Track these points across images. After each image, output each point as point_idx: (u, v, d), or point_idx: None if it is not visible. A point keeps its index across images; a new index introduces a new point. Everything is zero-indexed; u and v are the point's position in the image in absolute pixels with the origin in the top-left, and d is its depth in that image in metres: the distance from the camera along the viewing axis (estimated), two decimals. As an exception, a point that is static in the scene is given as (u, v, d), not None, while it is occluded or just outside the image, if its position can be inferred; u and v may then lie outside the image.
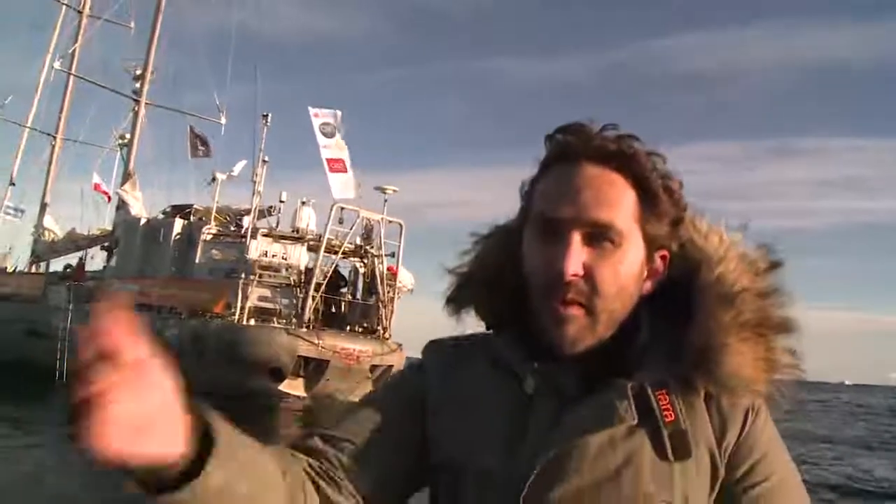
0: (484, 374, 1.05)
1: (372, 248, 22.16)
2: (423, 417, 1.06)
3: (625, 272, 0.97)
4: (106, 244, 26.63)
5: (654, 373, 0.97)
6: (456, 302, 1.13)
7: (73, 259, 28.22)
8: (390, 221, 22.18)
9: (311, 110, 22.93)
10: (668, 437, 0.94)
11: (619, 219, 0.96)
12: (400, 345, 21.80)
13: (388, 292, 21.94)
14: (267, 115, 22.93)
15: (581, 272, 0.95)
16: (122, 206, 26.16)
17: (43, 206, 31.59)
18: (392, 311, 22.02)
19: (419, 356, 1.17)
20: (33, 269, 30.14)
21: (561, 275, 0.94)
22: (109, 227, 27.35)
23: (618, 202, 0.96)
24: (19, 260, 31.19)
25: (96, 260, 27.29)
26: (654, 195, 0.99)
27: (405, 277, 22.63)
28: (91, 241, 27.85)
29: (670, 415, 0.95)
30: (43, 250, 29.89)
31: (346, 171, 22.63)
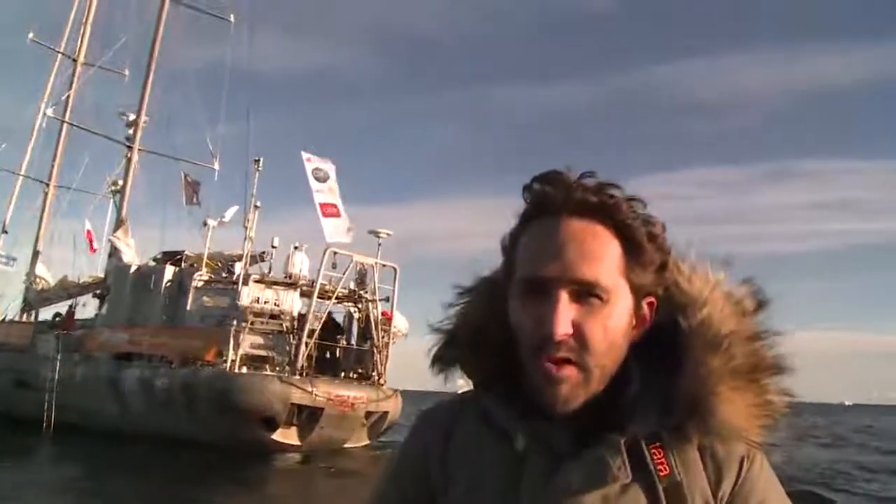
0: (475, 434, 1.04)
1: (366, 292, 21.92)
2: (432, 498, 1.06)
3: (614, 327, 0.95)
4: (98, 291, 26.39)
5: (646, 425, 0.95)
6: (442, 361, 1.11)
7: (64, 307, 27.97)
8: (384, 265, 21.97)
9: (304, 155, 22.90)
10: (662, 492, 0.92)
11: (604, 274, 0.94)
12: (395, 391, 21.49)
13: (383, 337, 21.64)
14: (259, 161, 22.87)
15: (570, 331, 0.93)
16: (114, 252, 26.00)
17: (35, 254, 31.39)
18: (387, 357, 21.70)
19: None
20: (24, 318, 29.83)
21: (550, 335, 0.92)
22: (102, 275, 27.08)
23: (603, 256, 0.94)
24: (10, 308, 30.90)
25: (89, 308, 27.05)
26: (639, 244, 0.96)
27: (399, 322, 22.34)
28: (83, 288, 27.56)
29: (664, 468, 0.93)
30: (34, 298, 29.63)
31: (339, 215, 22.51)
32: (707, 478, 0.95)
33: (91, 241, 29.38)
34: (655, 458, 0.94)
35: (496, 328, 1.02)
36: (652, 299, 1.00)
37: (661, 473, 0.93)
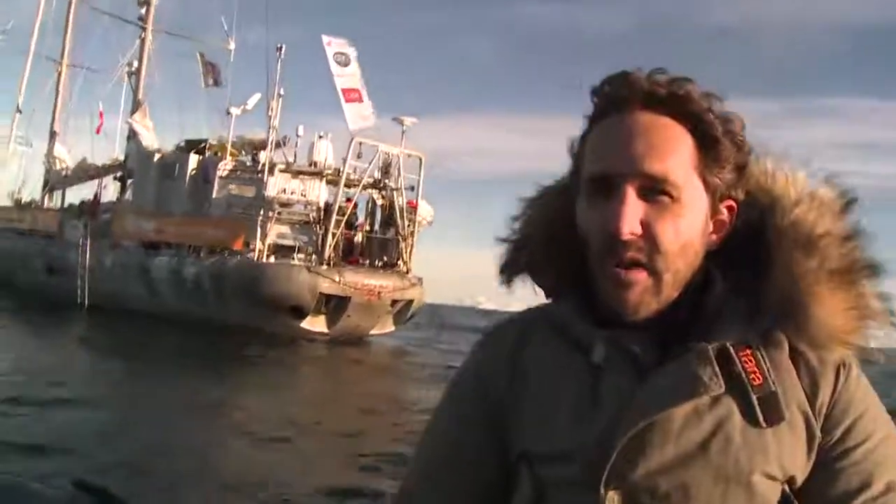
0: (548, 349, 0.97)
1: (391, 182, 21.82)
2: (498, 426, 0.97)
3: (687, 227, 0.88)
4: (119, 175, 26.39)
5: (734, 331, 0.89)
6: (511, 268, 1.04)
7: (86, 189, 28.06)
8: (409, 155, 21.75)
9: (325, 39, 22.30)
10: (757, 402, 0.86)
11: (675, 169, 0.87)
12: (420, 279, 21.77)
13: (408, 226, 21.70)
14: (281, 48, 22.27)
15: (639, 230, 0.87)
16: (133, 135, 25.78)
17: (52, 135, 31.13)
18: (412, 246, 21.83)
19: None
20: (47, 201, 29.99)
21: (617, 234, 0.86)
22: (121, 157, 26.96)
23: (672, 150, 0.88)
24: (34, 190, 31.06)
25: (109, 189, 27.17)
26: (714, 140, 0.89)
27: (424, 210, 22.36)
28: (103, 171, 27.54)
29: (757, 377, 0.87)
30: (55, 181, 29.68)
31: (361, 100, 22.10)
32: (802, 387, 0.89)
33: (101, 123, 29.01)
34: (747, 366, 0.87)
35: (566, 234, 0.96)
36: (731, 203, 0.93)
37: (754, 382, 0.86)
